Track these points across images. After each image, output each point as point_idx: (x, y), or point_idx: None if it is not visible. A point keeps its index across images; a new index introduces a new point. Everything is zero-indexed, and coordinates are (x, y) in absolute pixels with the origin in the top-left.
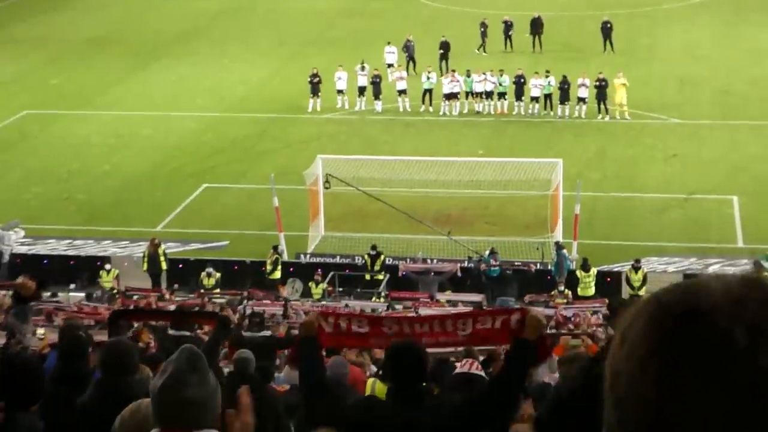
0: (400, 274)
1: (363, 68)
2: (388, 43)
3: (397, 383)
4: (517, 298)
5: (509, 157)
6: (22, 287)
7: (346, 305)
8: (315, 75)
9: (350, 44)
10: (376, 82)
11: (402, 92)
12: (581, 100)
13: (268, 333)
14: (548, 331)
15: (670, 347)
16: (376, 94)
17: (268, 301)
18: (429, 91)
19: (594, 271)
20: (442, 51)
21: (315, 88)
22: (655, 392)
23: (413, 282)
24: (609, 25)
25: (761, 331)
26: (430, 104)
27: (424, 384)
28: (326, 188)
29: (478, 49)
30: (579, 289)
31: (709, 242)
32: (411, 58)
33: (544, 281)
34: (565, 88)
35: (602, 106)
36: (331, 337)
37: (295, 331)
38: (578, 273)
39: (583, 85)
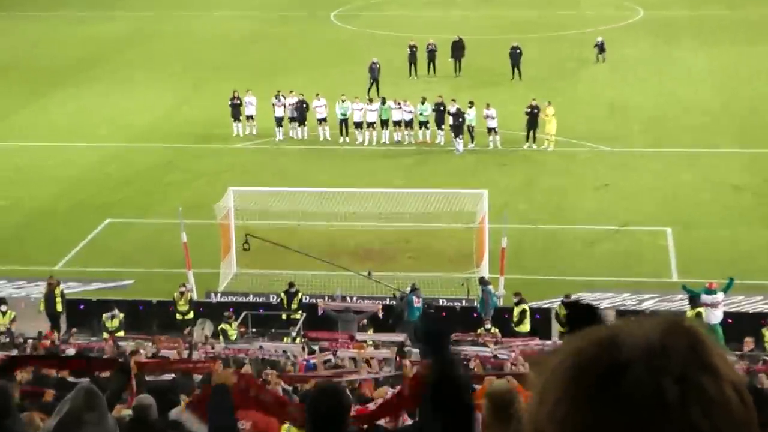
0: (319, 312)
1: (279, 98)
2: (291, 92)
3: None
4: None
5: (432, 187)
6: None
7: (260, 347)
8: (235, 98)
9: (261, 69)
10: (302, 108)
11: (322, 120)
12: (491, 130)
13: (170, 376)
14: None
15: (593, 408)
16: (300, 121)
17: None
18: (344, 120)
19: (523, 306)
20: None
21: (236, 112)
22: None
23: (332, 321)
24: (518, 51)
25: (690, 382)
26: (346, 133)
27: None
28: (245, 249)
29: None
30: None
31: (643, 276)
32: (375, 81)
33: (470, 319)
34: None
35: (531, 134)
36: (241, 397)
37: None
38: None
39: (489, 116)
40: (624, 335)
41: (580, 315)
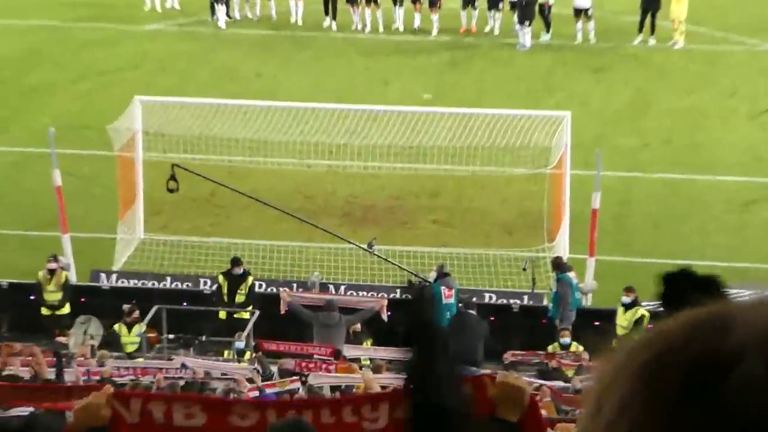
0: (282, 310)
1: None
2: None
3: None
4: (486, 359)
5: (477, 107)
6: None
7: (183, 365)
8: None
9: None
10: None
11: None
12: (580, 12)
13: (26, 411)
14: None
15: (675, 419)
16: None
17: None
18: None
19: (640, 311)
20: None
21: None
22: None
23: (304, 325)
24: None
25: None
26: (334, 13)
27: None
28: (170, 191)
29: None
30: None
31: None
32: None
33: (535, 326)
34: None
35: (648, 21)
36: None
37: None
38: (619, 312)
39: None
40: (736, 313)
41: (683, 289)
